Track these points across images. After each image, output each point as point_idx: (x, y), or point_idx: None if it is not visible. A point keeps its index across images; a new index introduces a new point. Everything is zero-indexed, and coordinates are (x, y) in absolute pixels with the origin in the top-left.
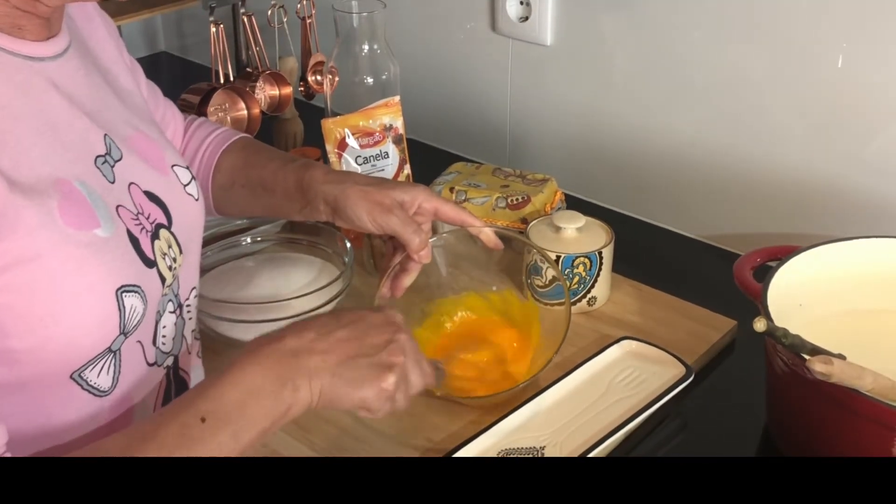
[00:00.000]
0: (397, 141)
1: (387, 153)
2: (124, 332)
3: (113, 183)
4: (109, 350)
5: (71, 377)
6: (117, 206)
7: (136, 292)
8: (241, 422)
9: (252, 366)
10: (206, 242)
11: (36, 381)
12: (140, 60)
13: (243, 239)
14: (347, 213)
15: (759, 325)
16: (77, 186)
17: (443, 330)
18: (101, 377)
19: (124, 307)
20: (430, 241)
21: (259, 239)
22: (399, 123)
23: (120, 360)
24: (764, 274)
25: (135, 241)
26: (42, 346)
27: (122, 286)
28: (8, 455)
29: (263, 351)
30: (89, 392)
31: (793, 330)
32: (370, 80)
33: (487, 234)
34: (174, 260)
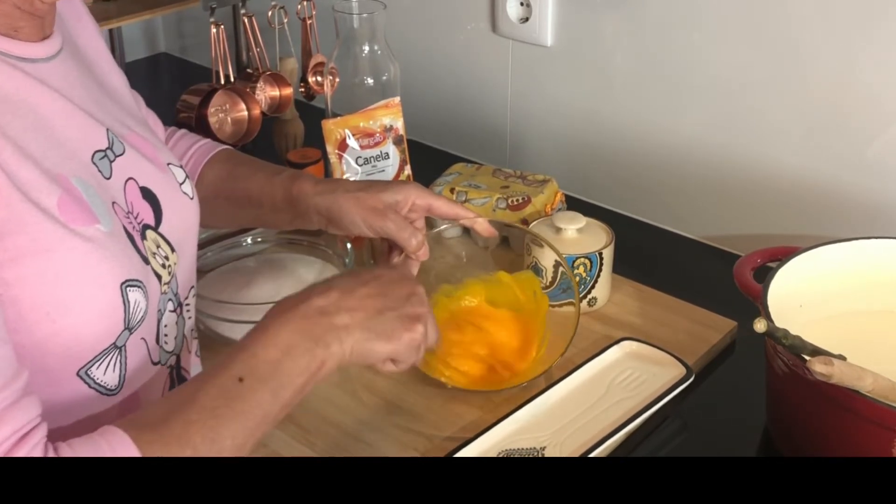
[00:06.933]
0: (397, 142)
1: (387, 154)
2: (129, 328)
3: (109, 179)
4: (115, 346)
5: (77, 374)
6: (112, 203)
7: (138, 287)
8: (279, 379)
9: (282, 325)
10: (207, 243)
11: (43, 378)
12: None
13: (243, 239)
14: (343, 221)
15: (760, 325)
16: (74, 183)
17: (445, 315)
18: (107, 375)
19: (128, 301)
20: (433, 232)
21: (259, 239)
22: (399, 124)
23: (125, 358)
24: (764, 275)
25: (131, 238)
26: (49, 339)
27: (126, 280)
28: (43, 426)
29: (291, 311)
30: (97, 391)
31: (793, 331)
32: (370, 80)
33: (482, 224)
34: (166, 258)
